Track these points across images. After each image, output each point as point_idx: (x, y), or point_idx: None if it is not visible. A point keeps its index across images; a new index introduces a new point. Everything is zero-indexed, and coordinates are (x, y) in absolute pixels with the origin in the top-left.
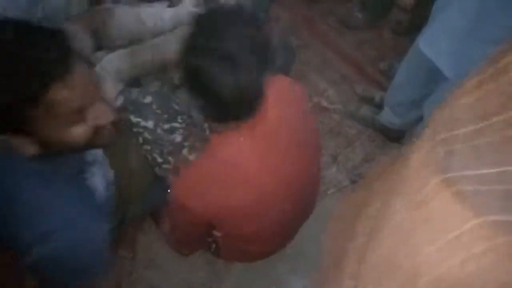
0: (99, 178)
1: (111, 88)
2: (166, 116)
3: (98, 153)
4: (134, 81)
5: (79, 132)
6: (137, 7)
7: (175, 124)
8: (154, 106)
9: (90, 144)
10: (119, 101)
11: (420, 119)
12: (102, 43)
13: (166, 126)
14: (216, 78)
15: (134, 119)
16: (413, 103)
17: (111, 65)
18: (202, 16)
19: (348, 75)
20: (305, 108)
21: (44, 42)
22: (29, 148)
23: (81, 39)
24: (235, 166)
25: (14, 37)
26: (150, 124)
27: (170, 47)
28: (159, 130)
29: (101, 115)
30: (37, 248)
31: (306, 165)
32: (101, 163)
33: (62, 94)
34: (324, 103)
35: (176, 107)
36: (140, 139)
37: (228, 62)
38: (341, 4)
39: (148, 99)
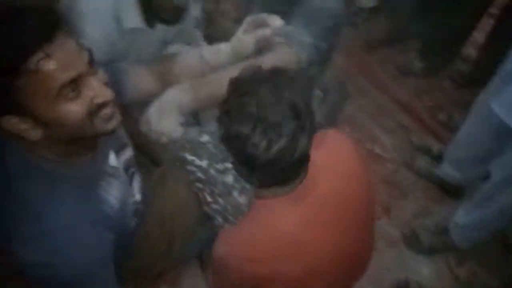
0: (115, 191)
1: (172, 121)
2: (220, 156)
3: (121, 172)
4: (194, 119)
5: (74, 109)
6: (198, 47)
7: (228, 165)
8: (210, 146)
9: (95, 128)
10: (179, 135)
11: (482, 176)
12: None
13: (219, 167)
14: (254, 145)
15: (189, 157)
16: (477, 160)
17: (173, 98)
18: (239, 80)
19: (404, 124)
20: (357, 165)
21: (26, 12)
22: (32, 132)
23: (143, 82)
24: (284, 234)
25: None
26: (204, 163)
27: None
28: (212, 170)
29: (97, 93)
30: (29, 249)
31: (358, 234)
32: (120, 180)
33: (44, 64)
34: (378, 151)
35: None
36: (193, 177)
37: (269, 130)
38: (399, 52)
39: (205, 138)
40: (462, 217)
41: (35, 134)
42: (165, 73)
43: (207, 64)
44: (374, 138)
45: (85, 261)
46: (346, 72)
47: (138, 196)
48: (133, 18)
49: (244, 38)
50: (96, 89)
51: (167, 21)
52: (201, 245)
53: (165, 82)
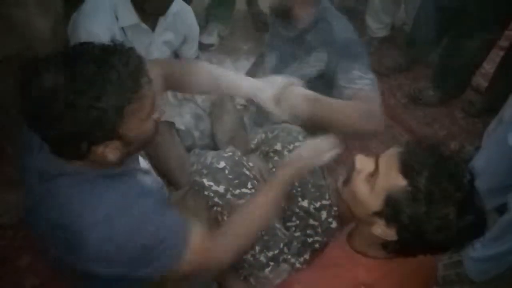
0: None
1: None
2: (237, 181)
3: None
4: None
5: (150, 125)
6: (219, 67)
7: (245, 190)
8: (226, 171)
9: (152, 139)
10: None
11: (497, 207)
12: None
13: (236, 192)
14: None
15: (207, 182)
16: (492, 192)
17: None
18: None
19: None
20: None
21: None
22: (115, 152)
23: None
24: None
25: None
26: (221, 188)
27: None
28: (228, 195)
29: (159, 110)
30: (96, 233)
31: None
32: (153, 178)
33: (149, 89)
34: None
35: (247, 173)
36: (211, 202)
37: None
38: (410, 80)
39: (221, 164)
40: (478, 250)
41: (118, 154)
42: (175, 75)
43: (218, 89)
44: None
45: (150, 240)
46: None
47: None
48: (129, 15)
49: (268, 103)
50: (160, 108)
51: (154, 12)
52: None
53: (171, 82)
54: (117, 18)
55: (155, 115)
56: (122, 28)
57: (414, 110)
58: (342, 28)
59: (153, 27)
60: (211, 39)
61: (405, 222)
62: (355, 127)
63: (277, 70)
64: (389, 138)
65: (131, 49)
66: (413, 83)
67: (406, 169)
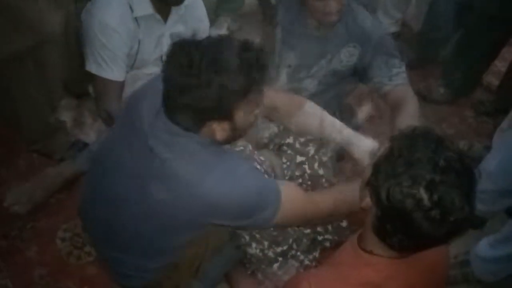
0: None
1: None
2: None
3: None
4: None
5: (254, 116)
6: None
7: None
8: None
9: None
10: None
11: (507, 209)
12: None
13: None
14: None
15: None
16: (503, 193)
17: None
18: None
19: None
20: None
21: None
22: (222, 133)
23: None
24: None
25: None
26: None
27: None
28: None
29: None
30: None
31: None
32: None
33: (257, 91)
34: None
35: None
36: None
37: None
38: (420, 78)
39: None
40: (487, 250)
41: (224, 133)
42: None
43: (321, 133)
44: None
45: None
46: (367, 96)
47: None
48: (144, 5)
49: (365, 156)
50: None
51: (170, 2)
52: (227, 263)
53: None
54: (131, 9)
55: (258, 111)
56: (136, 19)
57: (423, 108)
58: (372, 22)
59: (165, 18)
60: (221, 33)
61: (377, 176)
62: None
63: (301, 69)
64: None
65: (262, 49)
66: (423, 80)
67: (393, 136)
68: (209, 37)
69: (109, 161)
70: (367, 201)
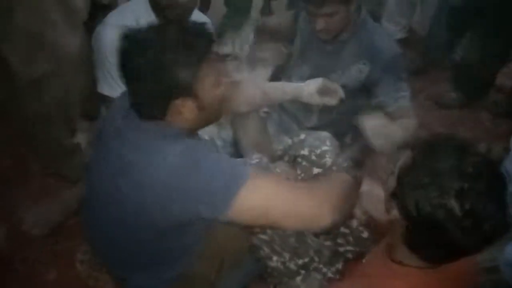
0: None
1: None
2: None
3: None
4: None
5: (221, 92)
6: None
7: None
8: None
9: (220, 114)
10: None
11: None
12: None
13: None
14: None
15: None
16: None
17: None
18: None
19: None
20: None
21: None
22: (189, 113)
23: None
24: None
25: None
26: None
27: None
28: None
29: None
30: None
31: None
32: None
33: (213, 63)
34: None
35: None
36: None
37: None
38: (430, 83)
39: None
40: (510, 253)
41: (192, 113)
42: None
43: (268, 99)
44: None
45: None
46: None
47: None
48: (149, 19)
49: (314, 96)
50: (226, 81)
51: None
52: (247, 277)
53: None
54: None
55: (225, 82)
56: None
57: (438, 113)
58: (386, 41)
59: None
60: (227, 49)
61: (404, 188)
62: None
63: None
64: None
65: (206, 23)
66: (432, 85)
67: (414, 146)
68: (150, 25)
69: (91, 180)
70: (394, 213)
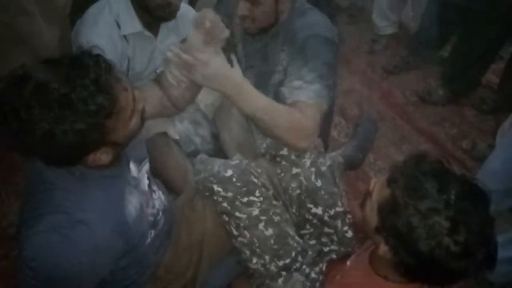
0: (134, 200)
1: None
2: (245, 189)
3: (142, 182)
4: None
5: (137, 118)
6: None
7: (253, 198)
8: (234, 179)
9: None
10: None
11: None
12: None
13: (245, 200)
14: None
15: (216, 188)
16: (507, 192)
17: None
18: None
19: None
20: None
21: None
22: (105, 157)
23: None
24: None
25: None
26: (229, 194)
27: None
28: (237, 202)
29: (142, 100)
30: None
31: None
32: (140, 190)
33: (126, 100)
34: None
35: (255, 181)
36: (219, 209)
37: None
38: (418, 78)
39: (229, 173)
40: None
41: (108, 157)
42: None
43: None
44: None
45: (88, 262)
46: (367, 99)
47: (157, 207)
48: (132, 23)
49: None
50: (138, 97)
51: (163, 18)
52: (227, 276)
53: None
54: (119, 26)
55: (139, 107)
56: (124, 36)
57: (424, 109)
58: (308, 22)
59: (155, 33)
60: None
61: (392, 231)
62: (277, 132)
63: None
64: (398, 137)
65: (97, 57)
66: (421, 81)
67: (389, 179)
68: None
69: None
70: (382, 247)
